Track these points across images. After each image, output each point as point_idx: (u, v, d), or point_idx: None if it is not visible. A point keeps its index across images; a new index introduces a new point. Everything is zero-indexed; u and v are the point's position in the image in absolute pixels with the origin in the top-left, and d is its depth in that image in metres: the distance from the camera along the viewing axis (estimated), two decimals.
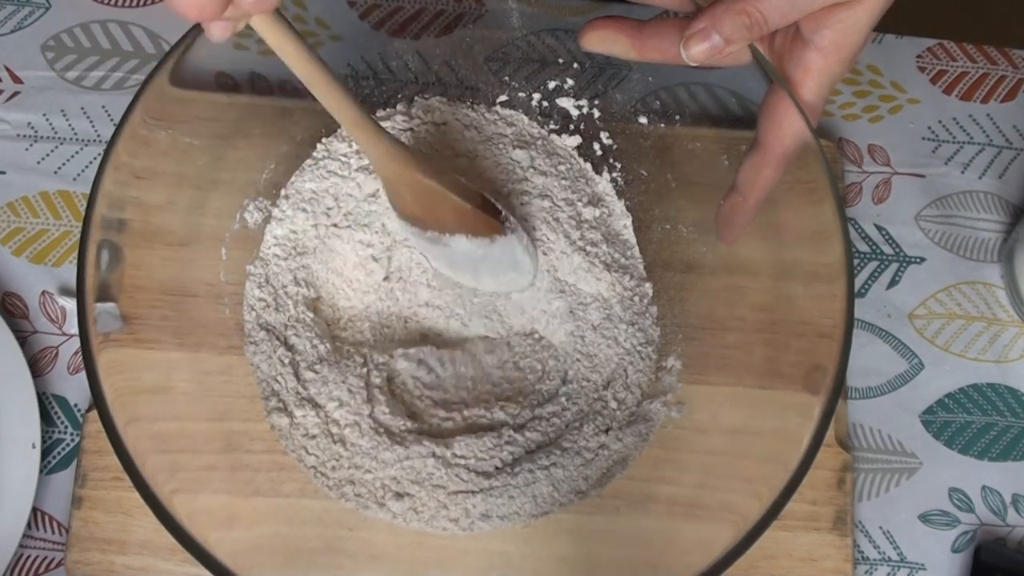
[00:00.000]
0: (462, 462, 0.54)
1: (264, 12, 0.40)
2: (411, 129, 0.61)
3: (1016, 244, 0.63)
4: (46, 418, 0.59)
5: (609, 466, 0.55)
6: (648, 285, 0.60)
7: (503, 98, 0.63)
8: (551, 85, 0.63)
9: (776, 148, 0.50)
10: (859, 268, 0.65)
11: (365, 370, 0.56)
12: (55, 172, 0.64)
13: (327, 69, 0.47)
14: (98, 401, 0.46)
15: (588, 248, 0.59)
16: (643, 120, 0.62)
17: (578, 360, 0.58)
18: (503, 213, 0.54)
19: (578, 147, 0.63)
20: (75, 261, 0.59)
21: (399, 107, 0.62)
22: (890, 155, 0.67)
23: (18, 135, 0.65)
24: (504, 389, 0.57)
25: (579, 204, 0.60)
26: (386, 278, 0.59)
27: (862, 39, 0.48)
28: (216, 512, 0.50)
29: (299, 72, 0.46)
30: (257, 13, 0.41)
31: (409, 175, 0.52)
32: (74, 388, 0.60)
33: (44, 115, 0.66)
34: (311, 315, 0.57)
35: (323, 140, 0.61)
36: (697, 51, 0.48)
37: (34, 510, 0.57)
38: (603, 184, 0.62)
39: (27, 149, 0.65)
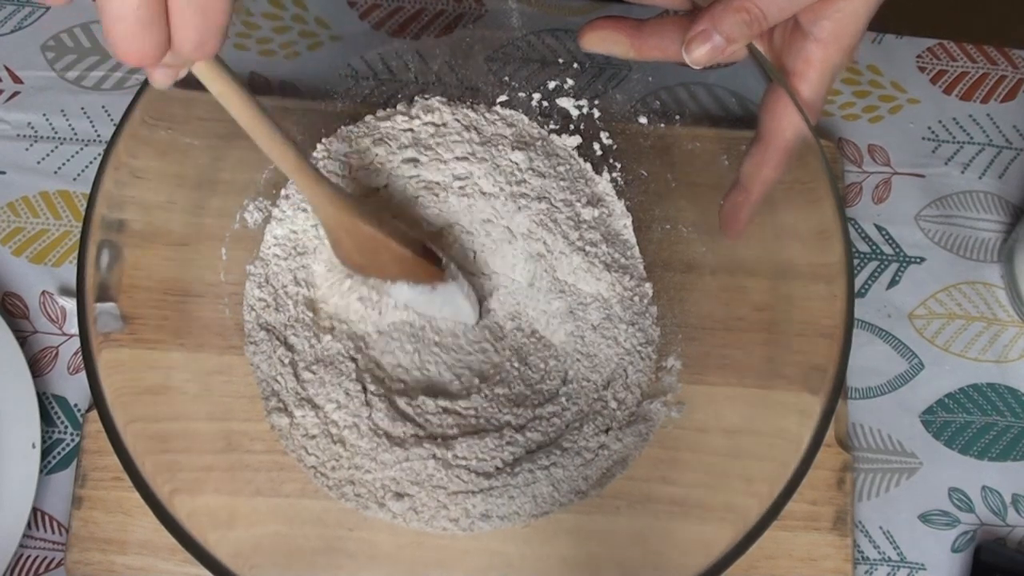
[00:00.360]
0: (463, 463, 0.54)
1: (204, 58, 0.39)
2: (411, 129, 0.61)
3: (1016, 244, 0.63)
4: (46, 418, 0.59)
5: (609, 466, 0.55)
6: (648, 285, 0.60)
7: (503, 98, 0.63)
8: (551, 85, 0.63)
9: (777, 142, 0.50)
10: (859, 268, 0.65)
11: (363, 374, 0.56)
12: (55, 172, 0.64)
13: (268, 115, 0.47)
14: (98, 401, 0.46)
15: (587, 248, 0.59)
16: (643, 120, 0.62)
17: (578, 360, 0.58)
18: (444, 260, 0.55)
19: (578, 147, 0.63)
20: (75, 261, 0.59)
21: (399, 107, 0.62)
22: (890, 155, 0.67)
23: (18, 135, 0.65)
24: (515, 391, 0.57)
25: (577, 205, 0.60)
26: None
27: (860, 28, 0.48)
28: (216, 512, 0.50)
29: (241, 120, 0.46)
30: (198, 60, 0.40)
31: (349, 221, 0.52)
32: (74, 388, 0.60)
33: (44, 115, 0.66)
34: (311, 315, 0.57)
35: (323, 140, 0.61)
36: (699, 53, 0.48)
37: (34, 510, 0.57)
38: (603, 184, 0.62)
39: (27, 149, 0.65)
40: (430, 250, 0.55)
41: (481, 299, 0.58)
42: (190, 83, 0.54)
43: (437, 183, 0.60)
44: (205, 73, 0.43)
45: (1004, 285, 0.64)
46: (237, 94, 0.45)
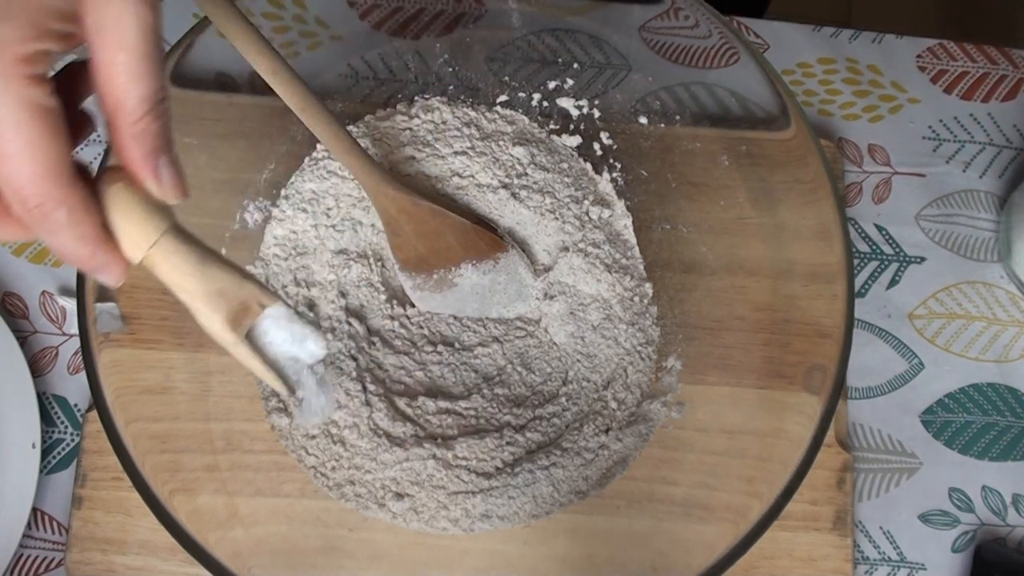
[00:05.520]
0: (463, 463, 0.54)
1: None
2: (410, 129, 0.61)
3: (1013, 207, 0.63)
4: (46, 418, 0.59)
5: (609, 466, 0.55)
6: (648, 285, 0.60)
7: (503, 98, 0.63)
8: (551, 85, 0.63)
9: None
10: (859, 268, 0.64)
11: (363, 374, 0.56)
12: None
13: (318, 98, 0.48)
14: (98, 401, 0.46)
15: (589, 249, 0.59)
16: (643, 120, 0.62)
17: (578, 360, 0.58)
18: (499, 229, 0.56)
19: (578, 147, 0.63)
20: None
21: (399, 107, 0.62)
22: (890, 155, 0.67)
23: None
24: (515, 392, 0.57)
25: (586, 202, 0.60)
26: (383, 279, 0.59)
27: None
28: (216, 512, 0.50)
29: (291, 102, 0.48)
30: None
31: (406, 199, 0.54)
32: (74, 388, 0.60)
33: None
34: (311, 315, 0.57)
35: None
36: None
37: (34, 510, 0.57)
38: (603, 184, 0.62)
39: None
40: (484, 220, 0.56)
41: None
42: (189, 83, 0.54)
43: (435, 177, 0.60)
44: (252, 51, 0.45)
45: (998, 236, 0.64)
46: (287, 72, 0.47)
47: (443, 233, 0.55)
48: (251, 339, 0.38)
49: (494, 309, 0.58)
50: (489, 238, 0.56)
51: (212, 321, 0.36)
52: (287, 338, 0.38)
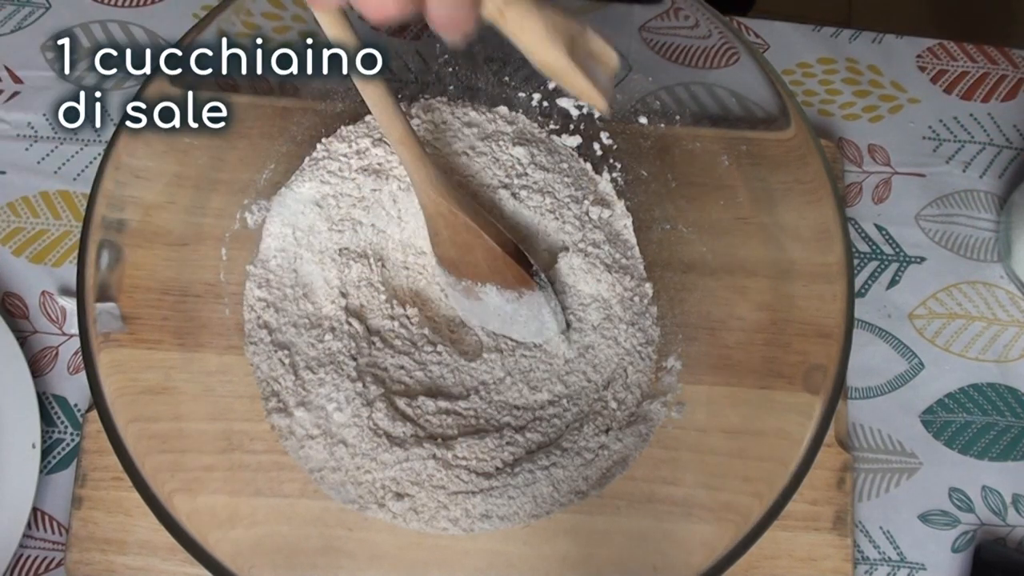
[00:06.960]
0: (463, 463, 0.54)
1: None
2: None
3: (1013, 207, 0.63)
4: (46, 418, 0.59)
5: (609, 466, 0.55)
6: (648, 285, 0.60)
7: (503, 98, 0.63)
8: (551, 85, 0.63)
9: None
10: (859, 268, 0.64)
11: (363, 374, 0.56)
12: (55, 172, 0.64)
13: (384, 81, 0.48)
14: (98, 401, 0.46)
15: (589, 249, 0.59)
16: (643, 120, 0.62)
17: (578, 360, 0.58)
18: (534, 267, 0.55)
19: (578, 147, 0.63)
20: (75, 261, 0.59)
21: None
22: (890, 155, 0.67)
23: (18, 135, 0.65)
24: (512, 396, 0.57)
25: (586, 202, 0.60)
26: (383, 279, 0.59)
27: None
28: (216, 512, 0.50)
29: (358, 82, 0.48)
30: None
31: (446, 207, 0.54)
32: (74, 388, 0.60)
33: (44, 115, 0.66)
34: (311, 315, 0.57)
35: (323, 140, 0.61)
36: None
37: (34, 510, 0.57)
38: (603, 184, 0.62)
39: (27, 149, 0.65)
40: (522, 254, 0.56)
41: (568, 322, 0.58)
42: (190, 83, 0.54)
43: None
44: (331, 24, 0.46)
45: (998, 236, 0.64)
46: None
47: (474, 249, 0.55)
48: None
49: (515, 331, 0.58)
50: (517, 271, 0.56)
51: (555, 48, 0.43)
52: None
